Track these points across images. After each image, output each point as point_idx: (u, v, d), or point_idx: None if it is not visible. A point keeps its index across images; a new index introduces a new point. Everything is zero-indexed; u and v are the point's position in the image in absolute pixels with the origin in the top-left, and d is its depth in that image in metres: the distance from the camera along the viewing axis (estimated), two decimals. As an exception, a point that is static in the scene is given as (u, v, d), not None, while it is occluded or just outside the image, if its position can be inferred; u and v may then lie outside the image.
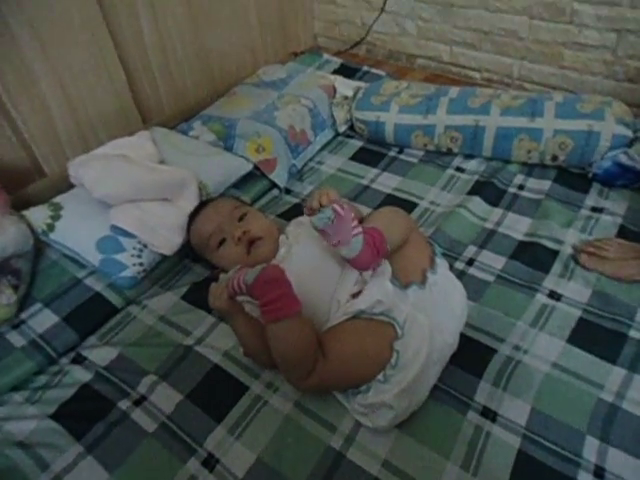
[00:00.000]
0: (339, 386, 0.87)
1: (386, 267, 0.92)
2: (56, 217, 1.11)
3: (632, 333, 0.95)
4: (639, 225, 1.18)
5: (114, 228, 1.08)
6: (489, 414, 0.86)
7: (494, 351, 0.94)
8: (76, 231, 1.10)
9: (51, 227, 1.10)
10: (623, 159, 1.24)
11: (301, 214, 1.28)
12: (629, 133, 1.27)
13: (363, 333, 0.85)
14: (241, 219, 1.06)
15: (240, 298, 0.91)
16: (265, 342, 0.85)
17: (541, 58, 1.68)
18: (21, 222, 1.08)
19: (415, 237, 0.99)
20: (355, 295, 0.90)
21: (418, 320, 0.85)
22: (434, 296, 0.91)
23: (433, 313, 0.88)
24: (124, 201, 1.09)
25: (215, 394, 0.91)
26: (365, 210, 1.29)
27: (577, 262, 1.10)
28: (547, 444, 0.81)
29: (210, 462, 0.82)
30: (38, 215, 1.11)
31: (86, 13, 1.26)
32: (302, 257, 0.98)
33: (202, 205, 1.13)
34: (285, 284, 0.81)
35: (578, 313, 1.00)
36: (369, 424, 0.83)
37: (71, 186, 1.20)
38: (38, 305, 1.04)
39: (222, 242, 1.04)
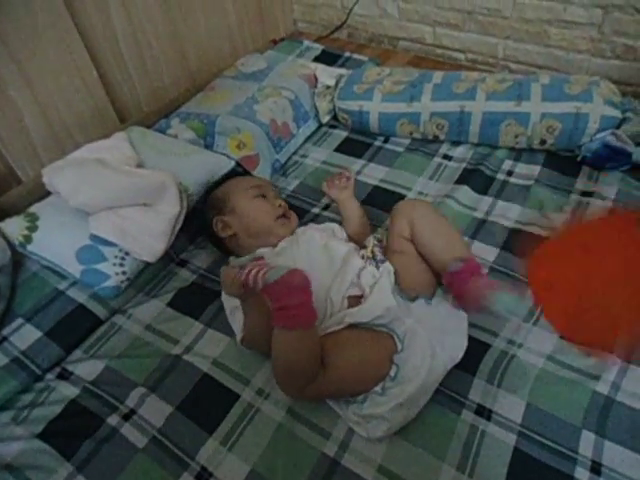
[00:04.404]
0: (335, 396, 0.86)
1: (389, 275, 0.89)
2: (33, 228, 1.07)
3: (626, 322, 0.94)
4: (629, 209, 1.16)
5: (94, 237, 1.04)
6: (484, 412, 0.85)
7: (488, 346, 0.93)
8: (54, 242, 1.06)
9: (28, 239, 1.06)
10: (612, 141, 1.22)
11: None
12: (618, 114, 1.25)
13: (364, 345, 0.83)
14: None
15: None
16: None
17: (526, 37, 1.63)
18: (-4, 235, 1.04)
19: None
20: (352, 299, 0.88)
21: (419, 335, 0.84)
22: (440, 313, 0.89)
23: (437, 329, 0.87)
24: (102, 208, 1.05)
25: (206, 404, 0.90)
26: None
27: None
28: (543, 440, 0.81)
29: (203, 476, 0.81)
30: (14, 227, 1.07)
31: (50, 10, 1.20)
32: (302, 251, 0.97)
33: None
34: (308, 293, 0.78)
35: (570, 304, 0.99)
36: (363, 434, 0.82)
37: (49, 192, 1.16)
38: (19, 320, 1.01)
39: (261, 197, 1.09)
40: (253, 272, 0.79)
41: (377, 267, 0.94)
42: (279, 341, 0.80)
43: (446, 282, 0.93)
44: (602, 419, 0.82)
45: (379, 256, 0.97)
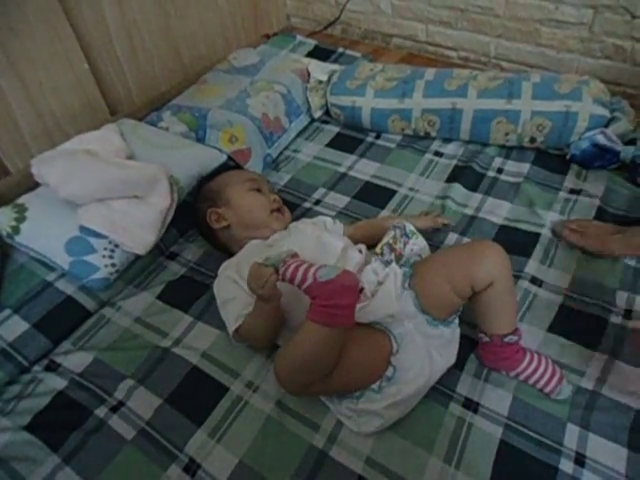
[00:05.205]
0: (336, 393, 0.85)
1: (395, 279, 0.87)
2: (21, 219, 1.06)
3: (613, 318, 0.96)
4: (616, 207, 1.18)
5: (83, 229, 1.04)
6: (471, 405, 0.86)
7: (475, 342, 0.94)
8: (43, 233, 1.05)
9: (16, 230, 1.05)
10: (600, 139, 1.23)
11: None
12: (606, 113, 1.26)
13: (366, 344, 0.83)
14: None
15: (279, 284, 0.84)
16: (276, 332, 0.90)
17: (518, 36, 1.65)
18: (-17, 226, 1.03)
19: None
20: None
21: (416, 340, 0.84)
22: (444, 334, 0.89)
23: (436, 337, 0.87)
24: (92, 200, 1.04)
25: (195, 397, 0.90)
26: (343, 199, 1.27)
27: (559, 238, 1.11)
28: (529, 433, 0.82)
29: (191, 468, 0.80)
30: (1, 218, 1.06)
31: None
32: (294, 243, 0.95)
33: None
34: (357, 295, 0.78)
35: (559, 299, 1.00)
36: (354, 428, 0.82)
37: (38, 184, 1.15)
38: (7, 312, 1.00)
39: (256, 190, 1.10)
40: (303, 267, 0.77)
41: (384, 266, 0.91)
42: (311, 336, 0.76)
43: (494, 348, 0.88)
44: (587, 413, 0.83)
45: (387, 256, 0.95)
